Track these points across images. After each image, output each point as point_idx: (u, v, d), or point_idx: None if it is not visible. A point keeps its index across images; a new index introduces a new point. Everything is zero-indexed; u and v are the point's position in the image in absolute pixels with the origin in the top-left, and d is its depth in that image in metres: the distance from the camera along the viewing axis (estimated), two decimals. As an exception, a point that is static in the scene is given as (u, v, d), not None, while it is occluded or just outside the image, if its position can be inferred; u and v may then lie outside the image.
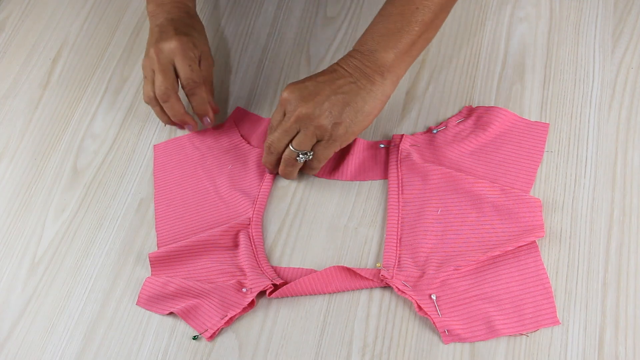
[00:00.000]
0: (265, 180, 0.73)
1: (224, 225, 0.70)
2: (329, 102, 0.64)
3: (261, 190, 0.72)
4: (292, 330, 0.65)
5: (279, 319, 0.66)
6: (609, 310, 0.62)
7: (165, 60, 0.70)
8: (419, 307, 0.63)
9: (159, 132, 0.80)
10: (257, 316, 0.66)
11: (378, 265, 0.66)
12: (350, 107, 0.64)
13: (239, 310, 0.64)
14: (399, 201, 0.69)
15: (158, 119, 0.80)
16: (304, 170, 0.72)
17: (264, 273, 0.66)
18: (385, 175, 0.72)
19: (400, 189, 0.70)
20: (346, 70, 0.66)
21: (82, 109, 0.84)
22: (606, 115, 0.72)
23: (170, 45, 0.70)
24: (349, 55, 0.67)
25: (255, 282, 0.65)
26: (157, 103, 0.72)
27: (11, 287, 0.72)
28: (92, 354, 0.67)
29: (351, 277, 0.65)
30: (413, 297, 0.63)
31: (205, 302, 0.66)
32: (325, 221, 0.71)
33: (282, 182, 0.74)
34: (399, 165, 0.71)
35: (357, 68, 0.66)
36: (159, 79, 0.70)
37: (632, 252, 0.64)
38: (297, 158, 0.68)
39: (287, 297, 0.66)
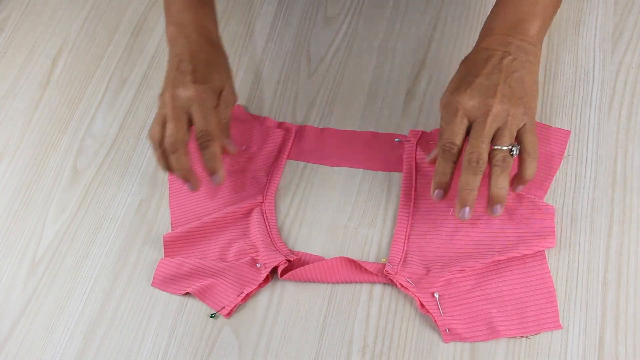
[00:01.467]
0: (279, 160, 0.74)
1: (237, 204, 0.71)
2: (510, 88, 0.59)
3: (275, 169, 0.73)
4: (292, 330, 0.65)
5: (279, 319, 0.66)
6: (609, 310, 0.62)
7: (180, 109, 0.65)
8: (421, 305, 0.63)
9: (159, 132, 0.80)
10: (257, 316, 0.66)
11: (383, 260, 0.66)
12: (525, 82, 0.61)
13: (255, 287, 0.65)
14: (411, 197, 0.69)
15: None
16: (523, 175, 0.62)
17: (277, 249, 0.67)
18: (396, 169, 0.72)
19: (414, 184, 0.70)
20: (499, 49, 0.61)
21: (82, 109, 0.84)
22: (606, 115, 0.72)
23: (187, 94, 0.65)
24: (493, 34, 0.62)
25: (270, 258, 0.66)
26: (159, 147, 0.66)
27: (11, 287, 0.72)
28: (92, 354, 0.67)
29: (355, 270, 0.66)
30: (416, 294, 0.63)
31: (221, 281, 0.67)
32: (325, 221, 0.71)
33: (282, 182, 0.74)
34: (414, 161, 0.71)
35: (509, 44, 0.61)
36: (170, 128, 0.65)
37: (632, 252, 0.64)
38: (512, 153, 0.60)
39: (292, 292, 0.66)
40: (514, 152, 0.60)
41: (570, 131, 0.71)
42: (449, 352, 0.61)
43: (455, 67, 0.79)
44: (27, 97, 0.86)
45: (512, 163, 0.60)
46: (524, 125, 0.60)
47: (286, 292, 0.67)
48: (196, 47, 0.69)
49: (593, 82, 0.75)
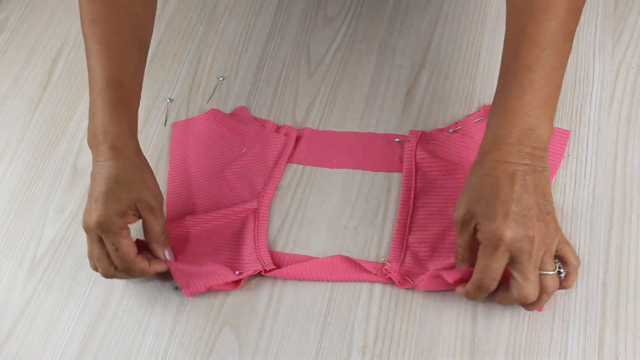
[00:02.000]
0: (278, 166, 0.74)
1: (232, 208, 0.71)
2: (539, 208, 0.57)
3: (273, 175, 0.73)
4: (292, 330, 0.65)
5: (279, 319, 0.66)
6: (609, 310, 0.62)
7: (94, 241, 0.64)
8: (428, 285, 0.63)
9: (158, 132, 0.80)
10: (257, 316, 0.66)
11: (382, 259, 0.66)
12: (547, 192, 0.58)
13: (221, 283, 0.66)
14: (411, 196, 0.69)
15: (156, 120, 0.81)
16: (566, 287, 0.60)
17: (258, 258, 0.67)
18: (396, 169, 0.72)
19: (414, 184, 0.70)
20: (521, 163, 0.57)
21: (82, 109, 0.84)
22: (606, 115, 0.72)
23: (92, 220, 0.63)
24: (507, 143, 0.57)
25: (248, 266, 0.67)
26: (104, 275, 0.67)
27: (11, 287, 0.72)
28: (92, 354, 0.67)
29: (354, 269, 0.66)
30: (419, 285, 0.63)
31: (195, 268, 0.67)
32: (325, 221, 0.71)
33: (282, 182, 0.74)
34: (414, 161, 0.71)
35: (528, 155, 0.57)
36: (96, 262, 0.65)
37: (632, 252, 0.64)
38: (560, 276, 0.59)
39: (292, 292, 0.66)
40: (562, 274, 0.59)
41: (570, 131, 0.71)
42: (449, 351, 0.61)
43: (455, 67, 0.79)
44: (27, 97, 0.86)
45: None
46: (561, 242, 0.58)
47: (286, 292, 0.67)
48: (105, 165, 0.64)
49: (593, 82, 0.75)
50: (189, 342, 0.66)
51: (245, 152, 0.76)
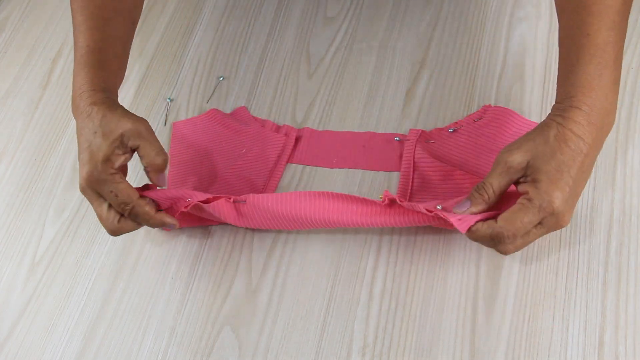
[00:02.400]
0: (278, 166, 0.74)
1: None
2: (577, 195, 0.58)
3: (272, 175, 0.73)
4: (292, 330, 0.65)
5: (279, 319, 0.66)
6: (609, 310, 0.62)
7: (91, 196, 0.63)
8: (428, 217, 0.61)
9: (158, 132, 0.80)
10: (257, 316, 0.66)
11: (380, 197, 0.64)
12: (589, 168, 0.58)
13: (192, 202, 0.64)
14: (407, 195, 0.69)
15: (157, 120, 0.81)
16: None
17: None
18: (395, 168, 0.72)
19: (411, 184, 0.70)
20: (593, 147, 0.57)
21: (82, 109, 0.83)
22: (606, 115, 0.72)
23: (82, 180, 0.62)
24: (587, 115, 0.57)
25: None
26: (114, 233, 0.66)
27: (11, 287, 0.72)
28: (92, 354, 0.67)
29: (341, 212, 0.64)
30: (419, 207, 0.60)
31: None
32: (325, 221, 0.71)
33: (282, 182, 0.74)
34: (412, 160, 0.71)
35: (594, 139, 0.57)
36: (101, 220, 0.64)
37: (632, 252, 0.64)
38: None
39: (292, 292, 0.66)
40: None
41: None
42: (449, 351, 0.62)
43: (455, 67, 0.79)
44: (27, 97, 0.86)
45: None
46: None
47: (286, 292, 0.67)
48: (83, 124, 0.64)
49: (593, 82, 0.74)
50: (189, 342, 0.66)
51: (245, 152, 0.76)
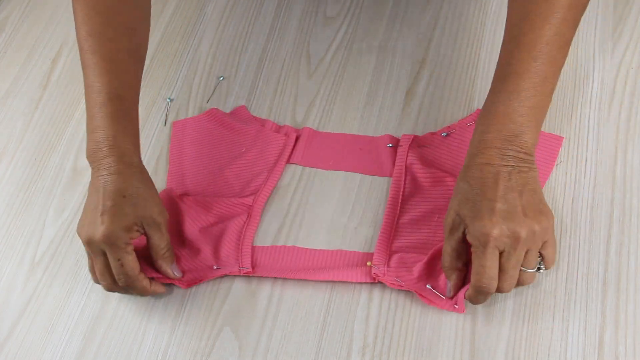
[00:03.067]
0: (277, 167, 0.74)
1: (228, 198, 0.72)
2: (529, 204, 0.58)
3: (271, 175, 0.73)
4: (292, 330, 0.65)
5: (279, 319, 0.66)
6: (609, 310, 0.62)
7: (98, 254, 0.63)
8: (422, 297, 0.63)
9: (158, 132, 0.80)
10: (257, 316, 0.66)
11: (369, 264, 0.66)
12: (537, 192, 0.59)
13: (198, 282, 0.68)
14: (398, 202, 0.69)
15: (156, 119, 0.81)
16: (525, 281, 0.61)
17: (238, 259, 0.68)
18: (389, 174, 0.72)
19: (402, 190, 0.70)
20: (505, 165, 0.58)
21: (82, 109, 0.83)
22: (606, 115, 0.72)
23: (97, 237, 0.62)
24: (491, 147, 0.58)
25: (225, 263, 0.68)
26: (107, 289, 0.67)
27: (11, 287, 0.72)
28: (92, 353, 0.67)
29: (337, 271, 0.66)
30: (411, 287, 0.63)
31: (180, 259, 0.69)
32: (325, 221, 0.71)
33: (282, 182, 0.74)
34: (404, 167, 0.71)
35: (510, 158, 0.58)
36: (98, 276, 0.65)
37: (632, 252, 0.64)
38: (540, 271, 0.61)
39: (292, 292, 0.66)
40: (542, 270, 0.61)
41: (563, 137, 0.71)
42: (449, 351, 0.61)
43: (455, 67, 0.79)
44: (27, 97, 0.86)
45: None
46: (547, 240, 0.59)
47: (286, 292, 0.67)
48: (110, 179, 0.64)
49: (593, 82, 0.75)
50: (189, 342, 0.66)
51: (244, 152, 0.76)
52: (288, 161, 0.75)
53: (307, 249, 0.69)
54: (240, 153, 0.76)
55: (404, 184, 0.70)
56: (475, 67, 0.78)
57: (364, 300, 0.65)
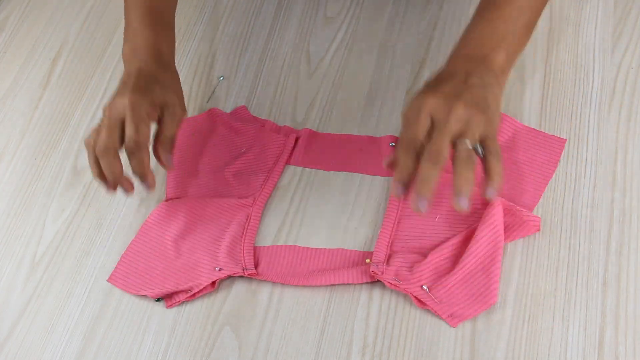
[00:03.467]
0: (277, 167, 0.74)
1: (227, 199, 0.72)
2: (473, 99, 0.59)
3: (271, 175, 0.73)
4: (292, 330, 0.65)
5: (279, 319, 0.66)
6: (609, 310, 0.62)
7: (115, 118, 0.66)
8: (417, 300, 0.63)
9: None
10: (257, 316, 0.66)
11: (368, 261, 0.66)
12: (489, 100, 0.60)
13: (200, 288, 0.67)
14: (399, 202, 0.69)
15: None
16: (491, 176, 0.59)
17: (242, 260, 0.68)
18: (390, 173, 0.72)
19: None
20: (465, 71, 0.61)
21: (82, 109, 0.84)
22: (606, 115, 0.72)
23: (123, 102, 0.65)
24: (459, 58, 0.63)
25: (228, 265, 0.67)
26: (92, 153, 0.67)
27: (11, 287, 0.72)
28: (92, 353, 0.67)
29: (336, 275, 0.66)
30: (407, 290, 0.63)
31: (174, 272, 0.69)
32: (325, 221, 0.71)
33: (282, 182, 0.74)
34: None
35: (475, 68, 0.61)
36: (102, 135, 0.65)
37: (632, 252, 0.64)
38: (478, 152, 0.59)
39: (292, 292, 0.66)
40: (479, 151, 0.58)
41: (566, 140, 0.71)
42: (449, 351, 0.62)
43: (455, 67, 0.79)
44: (27, 97, 0.86)
45: (476, 161, 0.57)
46: (487, 134, 0.58)
47: (286, 292, 0.67)
48: (145, 66, 0.69)
49: (593, 82, 0.75)
50: (189, 342, 0.66)
51: (244, 152, 0.76)
52: (288, 162, 0.75)
53: (307, 248, 0.69)
54: (240, 153, 0.76)
55: None
56: (475, 67, 0.78)
57: (364, 300, 0.65)
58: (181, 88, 0.72)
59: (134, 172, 0.66)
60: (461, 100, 0.58)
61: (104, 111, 0.66)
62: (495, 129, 0.59)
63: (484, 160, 0.58)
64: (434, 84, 0.61)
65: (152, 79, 0.68)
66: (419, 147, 0.58)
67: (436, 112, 0.58)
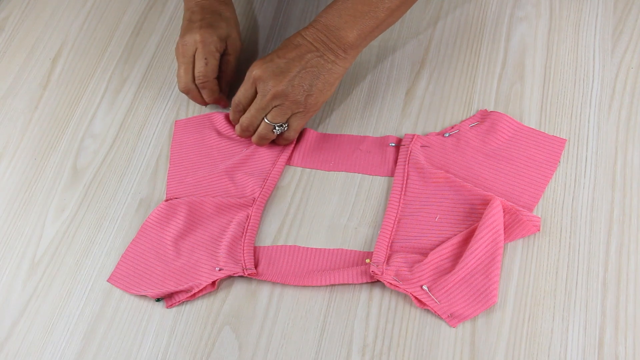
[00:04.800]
0: (276, 165, 0.74)
1: (228, 198, 0.72)
2: (300, 77, 0.68)
3: (271, 174, 0.74)
4: (292, 330, 0.65)
5: (279, 319, 0.66)
6: (609, 310, 0.62)
7: (187, 55, 0.75)
8: (417, 300, 0.63)
9: (158, 132, 0.80)
10: (257, 316, 0.66)
11: (367, 261, 0.66)
12: (319, 79, 0.69)
13: (200, 288, 0.67)
14: (399, 202, 0.69)
15: (157, 118, 0.81)
16: (278, 141, 0.74)
17: (240, 259, 0.68)
18: (391, 173, 0.72)
19: (404, 189, 0.70)
20: (312, 44, 0.69)
21: (82, 109, 0.84)
22: (606, 115, 0.72)
23: (194, 38, 0.75)
24: (314, 28, 0.70)
25: (228, 266, 0.67)
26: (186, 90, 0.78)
27: (11, 287, 0.72)
28: (92, 353, 0.67)
29: (336, 275, 0.66)
30: (407, 290, 0.63)
31: (174, 272, 0.69)
32: (325, 221, 0.71)
33: (282, 182, 0.74)
34: (406, 166, 0.71)
35: (322, 42, 0.69)
36: (180, 72, 0.76)
37: (632, 252, 0.64)
38: (274, 130, 0.71)
39: (292, 292, 0.66)
40: (277, 131, 0.71)
41: (566, 140, 0.71)
42: (449, 351, 0.62)
43: (455, 67, 0.79)
44: (27, 97, 0.86)
45: (272, 137, 0.72)
46: (298, 112, 0.70)
47: (286, 292, 0.67)
48: (206, 4, 0.78)
49: (593, 82, 0.75)
50: (189, 342, 0.66)
51: (244, 152, 0.76)
52: (288, 162, 0.75)
53: (307, 248, 0.69)
54: (240, 153, 0.76)
55: (406, 183, 0.70)
56: (474, 67, 0.78)
57: (364, 300, 0.65)
58: (237, 19, 0.80)
59: (208, 100, 0.78)
60: (285, 80, 0.67)
61: (176, 50, 0.76)
62: (311, 110, 0.70)
63: (280, 136, 0.73)
64: (278, 53, 0.69)
65: (216, 14, 0.77)
66: (242, 109, 0.72)
67: (260, 85, 0.69)
